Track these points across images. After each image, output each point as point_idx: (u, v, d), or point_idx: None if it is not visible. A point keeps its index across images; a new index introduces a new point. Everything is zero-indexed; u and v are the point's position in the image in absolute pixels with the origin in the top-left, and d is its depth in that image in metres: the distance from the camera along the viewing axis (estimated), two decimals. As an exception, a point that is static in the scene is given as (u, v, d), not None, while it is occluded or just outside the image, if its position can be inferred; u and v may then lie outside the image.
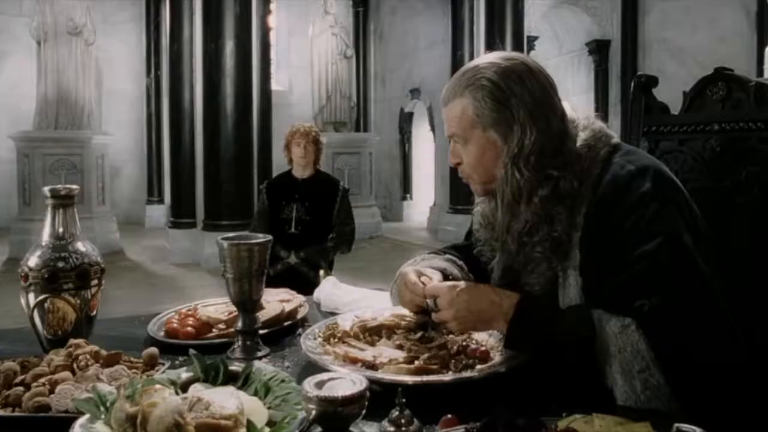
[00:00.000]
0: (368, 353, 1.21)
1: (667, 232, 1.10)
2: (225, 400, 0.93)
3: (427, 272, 1.34)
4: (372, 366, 1.16)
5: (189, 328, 1.46)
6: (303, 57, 10.87)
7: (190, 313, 1.56)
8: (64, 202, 1.40)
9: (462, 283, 1.25)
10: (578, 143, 1.22)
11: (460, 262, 1.45)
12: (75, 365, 1.16)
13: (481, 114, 1.20)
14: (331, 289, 1.81)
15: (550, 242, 1.17)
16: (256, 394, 1.04)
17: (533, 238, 1.18)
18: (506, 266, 1.28)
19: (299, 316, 1.58)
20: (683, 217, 1.13)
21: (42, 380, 1.10)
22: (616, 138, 1.26)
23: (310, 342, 1.27)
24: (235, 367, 1.11)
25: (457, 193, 9.39)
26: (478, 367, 1.15)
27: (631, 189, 1.14)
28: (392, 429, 0.92)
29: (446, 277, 1.37)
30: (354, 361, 1.18)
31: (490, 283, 1.33)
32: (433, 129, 11.31)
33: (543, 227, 1.17)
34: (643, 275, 1.08)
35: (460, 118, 1.23)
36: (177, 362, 1.27)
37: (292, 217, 3.67)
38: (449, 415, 0.94)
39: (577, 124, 1.26)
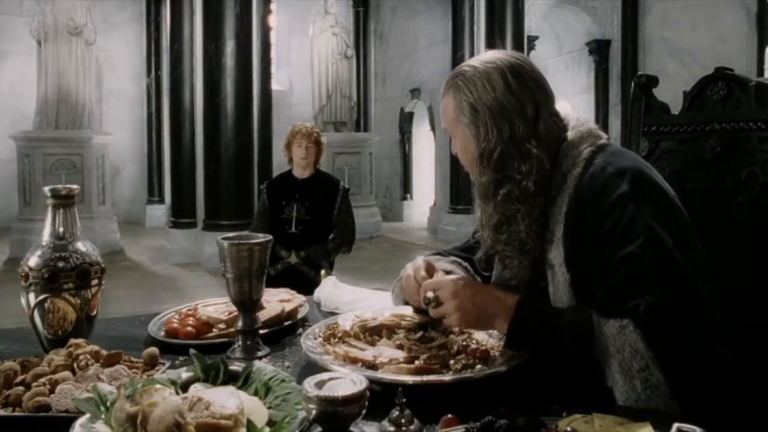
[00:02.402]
0: (368, 353, 1.21)
1: (648, 232, 1.10)
2: (225, 400, 0.93)
3: (439, 267, 1.38)
4: (372, 366, 1.16)
5: (189, 328, 1.46)
6: (303, 57, 10.87)
7: (190, 312, 1.56)
8: (64, 201, 1.39)
9: (465, 278, 1.26)
10: (563, 143, 1.24)
11: (465, 264, 1.45)
12: (75, 365, 1.16)
13: (459, 113, 1.28)
14: (331, 288, 1.81)
15: (518, 242, 1.22)
16: (256, 393, 1.04)
17: (501, 236, 1.24)
18: (488, 261, 1.34)
19: (299, 315, 1.58)
20: (663, 217, 1.13)
21: (42, 380, 1.10)
22: (604, 140, 1.27)
23: (310, 342, 1.27)
24: (236, 366, 1.11)
25: (458, 193, 9.40)
26: (478, 366, 1.15)
27: (608, 190, 1.15)
28: (392, 429, 0.92)
29: None
30: (354, 360, 1.18)
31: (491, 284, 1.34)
32: (433, 129, 11.32)
33: (507, 226, 1.22)
34: (632, 276, 1.09)
35: (447, 114, 1.31)
36: (177, 362, 1.28)
37: (292, 217, 3.67)
38: (449, 415, 0.93)
39: (566, 125, 1.28)
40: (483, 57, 1.30)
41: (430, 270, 1.34)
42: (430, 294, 1.21)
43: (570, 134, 1.26)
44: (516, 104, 1.23)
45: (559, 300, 1.21)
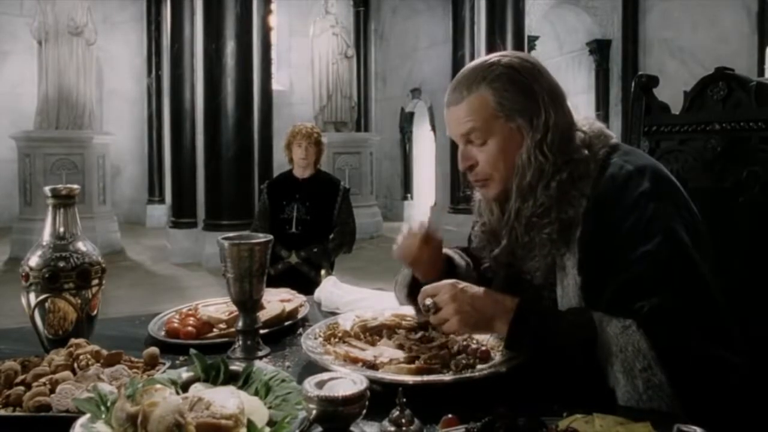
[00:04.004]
0: (369, 353, 1.21)
1: (667, 231, 1.10)
2: (225, 399, 0.93)
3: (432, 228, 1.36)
4: (372, 366, 1.16)
5: (190, 328, 1.46)
6: (304, 57, 10.88)
7: (190, 312, 1.56)
8: (64, 201, 1.39)
9: (463, 282, 1.25)
10: (577, 143, 1.22)
11: (467, 258, 1.45)
12: (76, 365, 1.17)
13: (504, 102, 1.20)
14: (331, 288, 1.81)
15: (558, 224, 1.17)
16: (256, 393, 1.04)
17: (543, 220, 1.18)
18: (508, 254, 1.27)
19: (300, 315, 1.58)
20: (681, 216, 1.13)
21: (43, 380, 1.10)
22: (615, 139, 1.26)
23: (310, 342, 1.27)
24: (236, 366, 1.11)
25: (458, 193, 9.39)
26: (479, 366, 1.15)
27: (629, 188, 1.14)
28: (393, 429, 0.92)
29: (452, 265, 1.40)
30: (354, 360, 1.18)
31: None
32: (434, 129, 11.31)
33: (554, 209, 1.18)
34: (644, 275, 1.08)
35: (480, 111, 1.21)
36: (178, 362, 1.28)
37: (292, 217, 3.67)
38: (450, 415, 0.93)
39: (576, 124, 1.27)
40: (502, 52, 1.27)
41: (431, 233, 1.33)
42: (428, 301, 1.19)
43: (582, 134, 1.25)
44: (560, 89, 1.23)
45: (567, 303, 1.20)
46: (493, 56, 1.26)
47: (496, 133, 1.22)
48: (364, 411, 0.93)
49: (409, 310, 1.41)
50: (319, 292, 1.82)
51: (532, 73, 1.22)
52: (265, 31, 8.15)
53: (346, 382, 0.93)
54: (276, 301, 1.59)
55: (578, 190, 1.18)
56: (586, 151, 1.20)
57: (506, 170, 1.23)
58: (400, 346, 1.24)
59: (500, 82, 1.20)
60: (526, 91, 1.20)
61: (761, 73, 7.40)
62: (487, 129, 1.22)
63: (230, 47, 7.13)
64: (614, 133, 1.28)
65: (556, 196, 1.18)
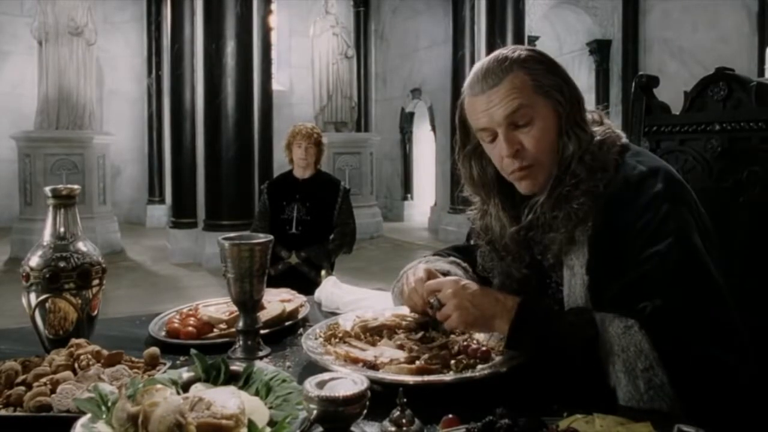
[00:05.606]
0: (369, 353, 1.21)
1: (678, 233, 1.10)
2: (226, 400, 0.93)
3: (437, 268, 1.34)
4: (373, 366, 1.16)
5: (190, 328, 1.46)
6: (304, 57, 10.88)
7: (191, 312, 1.56)
8: (65, 202, 1.40)
9: (466, 279, 1.25)
10: (597, 137, 1.23)
11: (465, 264, 1.44)
12: (76, 365, 1.17)
13: (539, 79, 1.21)
14: (331, 289, 1.81)
15: (592, 194, 1.17)
16: (257, 393, 1.04)
17: (575, 191, 1.17)
18: (526, 234, 1.25)
19: (300, 316, 1.58)
20: (693, 217, 1.13)
21: (43, 380, 1.10)
22: (624, 138, 1.27)
23: (311, 342, 1.27)
24: (237, 366, 1.11)
25: (458, 193, 9.39)
26: (479, 367, 1.15)
27: (643, 189, 1.15)
28: (393, 429, 0.92)
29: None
30: (355, 361, 1.18)
31: (490, 287, 1.33)
32: (434, 129, 11.31)
33: (585, 182, 1.17)
34: (651, 276, 1.08)
35: (523, 89, 1.20)
36: (178, 362, 1.28)
37: (293, 217, 3.67)
38: (450, 415, 0.93)
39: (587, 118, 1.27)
40: (511, 47, 1.27)
41: (432, 278, 1.30)
42: (432, 299, 1.22)
43: (597, 128, 1.26)
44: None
45: (574, 303, 1.20)
46: (502, 51, 1.25)
47: (540, 111, 1.21)
48: (365, 411, 0.93)
49: (409, 311, 1.40)
50: (320, 293, 1.83)
51: (547, 56, 1.26)
52: (265, 31, 8.14)
53: (347, 383, 0.93)
54: (276, 301, 1.59)
55: (609, 158, 1.20)
56: (601, 128, 1.24)
57: (552, 150, 1.22)
58: (401, 347, 1.24)
59: (529, 62, 1.22)
60: (552, 70, 1.23)
61: (761, 73, 7.40)
62: (532, 105, 1.20)
63: (230, 47, 7.13)
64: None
65: (592, 165, 1.18)
